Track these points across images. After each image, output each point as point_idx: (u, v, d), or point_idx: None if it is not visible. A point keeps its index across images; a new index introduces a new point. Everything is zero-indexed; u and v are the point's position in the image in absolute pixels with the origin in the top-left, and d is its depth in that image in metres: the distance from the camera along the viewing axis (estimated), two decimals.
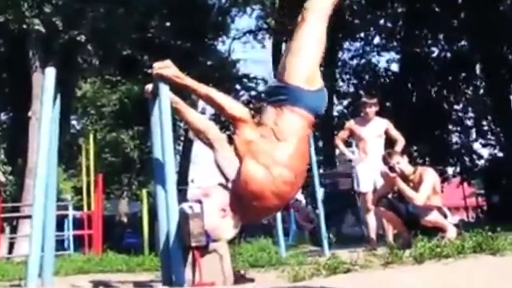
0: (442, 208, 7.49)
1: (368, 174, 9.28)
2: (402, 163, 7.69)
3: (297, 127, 3.75)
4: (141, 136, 27.81)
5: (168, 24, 24.66)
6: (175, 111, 4.11)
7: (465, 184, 28.21)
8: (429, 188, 7.49)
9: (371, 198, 9.03)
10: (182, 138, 28.30)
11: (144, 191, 14.85)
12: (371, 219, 9.19)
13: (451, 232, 6.96)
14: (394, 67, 26.56)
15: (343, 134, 9.93)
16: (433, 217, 7.33)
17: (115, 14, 19.98)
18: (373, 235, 9.06)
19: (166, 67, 3.84)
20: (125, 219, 34.02)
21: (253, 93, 29.30)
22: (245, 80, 29.89)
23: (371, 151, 9.42)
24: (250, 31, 30.80)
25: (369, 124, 9.53)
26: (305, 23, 4.02)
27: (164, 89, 3.85)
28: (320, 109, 3.96)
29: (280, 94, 3.83)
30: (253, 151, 3.58)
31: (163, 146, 3.79)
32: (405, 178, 7.57)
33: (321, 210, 9.15)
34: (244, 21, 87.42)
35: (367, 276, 3.10)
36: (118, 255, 9.91)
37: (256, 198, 3.51)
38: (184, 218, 3.50)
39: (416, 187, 7.50)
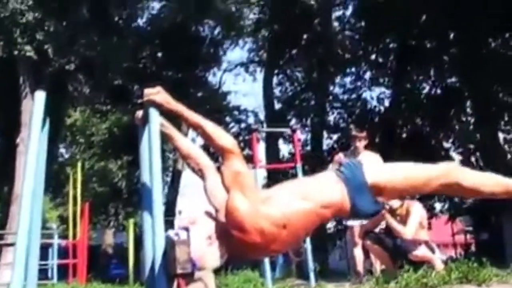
0: (430, 243, 7.47)
1: None
2: None
3: (326, 201, 3.71)
4: (129, 166, 27.77)
5: (159, 54, 24.78)
6: (165, 137, 4.08)
7: (455, 220, 28.24)
8: (416, 222, 7.49)
9: (358, 232, 9.01)
10: (170, 169, 28.28)
11: (130, 221, 14.78)
12: (358, 253, 9.16)
13: (439, 267, 6.95)
14: (385, 102, 26.65)
15: (332, 167, 9.90)
16: (421, 252, 7.31)
17: (106, 43, 20.03)
18: (360, 268, 9.02)
19: (157, 93, 3.82)
20: (110, 250, 33.85)
21: (243, 125, 29.40)
22: (235, 112, 29.99)
23: None
24: (241, 64, 30.95)
25: (357, 158, 9.53)
26: (432, 168, 3.93)
27: (154, 115, 3.81)
28: (361, 211, 3.85)
29: (348, 170, 3.83)
30: (240, 183, 3.56)
31: (151, 172, 3.76)
32: (392, 211, 7.57)
33: (308, 244, 9.12)
34: (236, 53, 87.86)
35: None
36: (102, 284, 9.85)
37: (238, 230, 3.47)
38: (170, 245, 3.45)
39: (403, 221, 7.50)
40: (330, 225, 26.59)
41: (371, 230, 8.04)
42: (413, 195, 3.75)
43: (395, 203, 7.61)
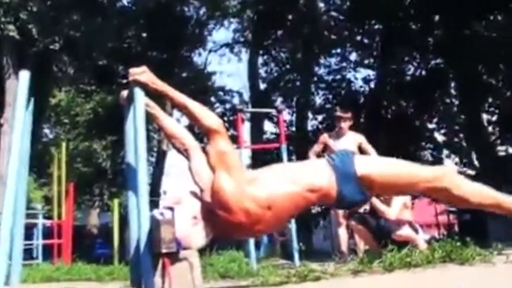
0: (413, 223, 7.51)
1: None
2: None
3: (314, 185, 3.75)
4: (114, 146, 27.69)
5: (144, 34, 24.65)
6: (150, 117, 4.08)
7: (438, 201, 28.37)
8: (400, 203, 7.52)
9: (343, 212, 9.06)
10: (155, 149, 28.24)
11: (115, 201, 14.75)
12: (342, 233, 9.22)
13: (422, 247, 7.00)
14: (370, 83, 26.66)
15: (317, 147, 9.91)
16: (404, 232, 7.35)
17: (91, 23, 19.90)
18: (344, 248, 9.09)
19: (142, 73, 3.82)
20: (95, 230, 33.85)
21: (228, 106, 29.39)
22: (220, 92, 29.95)
23: None
24: (227, 44, 30.85)
25: (342, 139, 9.56)
26: (426, 169, 4.05)
27: (139, 95, 3.81)
28: (347, 199, 3.86)
29: (339, 159, 3.87)
30: (226, 162, 3.58)
31: (137, 152, 3.76)
32: None
33: (292, 224, 9.15)
34: (221, 34, 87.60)
35: (337, 284, 3.09)
36: (87, 265, 9.84)
37: (223, 210, 3.49)
38: (155, 224, 3.47)
39: (387, 201, 7.53)
40: (316, 206, 26.68)
41: (356, 211, 8.09)
42: (401, 194, 3.76)
43: None
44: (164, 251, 3.39)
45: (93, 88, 26.59)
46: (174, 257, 3.58)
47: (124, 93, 4.12)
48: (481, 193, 3.95)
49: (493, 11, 19.50)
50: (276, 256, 12.93)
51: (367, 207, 8.20)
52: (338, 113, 9.86)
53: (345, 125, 9.60)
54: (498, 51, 19.29)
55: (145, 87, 3.81)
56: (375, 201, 7.57)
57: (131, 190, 3.91)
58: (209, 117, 3.72)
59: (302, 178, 3.71)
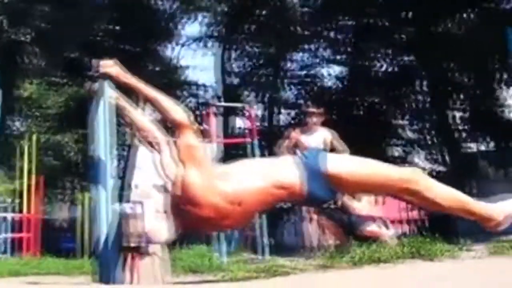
0: (383, 219, 7.55)
1: None
2: None
3: (283, 182, 3.75)
4: (85, 139, 27.43)
5: (116, 27, 24.48)
6: (120, 110, 4.05)
7: None
8: (370, 198, 7.56)
9: (313, 208, 9.09)
10: (127, 143, 28.06)
11: (85, 195, 14.65)
12: (312, 228, 9.23)
13: (391, 243, 7.03)
14: (341, 79, 26.68)
15: (288, 143, 9.90)
16: (374, 228, 7.40)
17: (61, 15, 19.72)
18: (314, 243, 9.10)
19: (112, 66, 3.80)
20: (65, 224, 33.54)
21: (200, 100, 29.25)
22: (192, 87, 29.81)
23: None
24: (199, 38, 30.69)
25: (313, 134, 9.56)
26: (397, 170, 4.10)
27: (108, 88, 3.80)
28: (315, 196, 3.90)
29: (310, 157, 3.88)
30: (195, 156, 3.57)
31: (105, 145, 3.75)
32: None
33: (263, 219, 9.17)
34: (193, 28, 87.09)
35: (306, 280, 3.10)
36: (56, 259, 9.78)
37: (192, 204, 3.48)
38: (123, 218, 3.46)
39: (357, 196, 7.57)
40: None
41: (325, 206, 8.12)
42: (373, 194, 3.76)
43: None
44: (132, 245, 3.39)
45: (64, 81, 26.33)
46: (142, 251, 3.57)
47: (93, 86, 4.09)
48: (452, 197, 3.97)
49: (464, 9, 19.64)
50: (246, 250, 12.92)
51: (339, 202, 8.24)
52: (310, 109, 9.86)
53: (316, 120, 9.60)
54: (468, 49, 19.45)
55: (114, 81, 3.79)
56: (345, 199, 7.61)
57: (99, 184, 3.89)
58: (178, 111, 3.71)
59: (272, 175, 3.71)
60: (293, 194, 3.78)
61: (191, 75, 31.84)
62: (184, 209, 3.50)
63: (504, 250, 3.81)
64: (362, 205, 7.47)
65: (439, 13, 19.32)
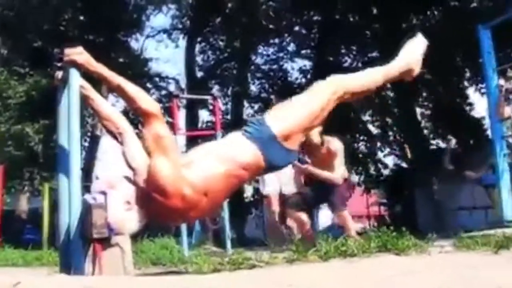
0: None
1: (274, 178, 9.38)
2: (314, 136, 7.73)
3: (243, 158, 3.72)
4: (47, 130, 27.17)
5: (81, 17, 24.25)
6: (84, 99, 3.98)
7: (370, 193, 28.81)
8: (342, 163, 7.63)
9: (274, 200, 9.18)
10: (89, 134, 27.86)
11: (46, 186, 14.52)
12: (276, 220, 9.31)
13: (354, 236, 7.06)
14: (306, 74, 26.76)
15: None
16: (346, 214, 7.46)
17: (25, 4, 19.52)
18: (278, 236, 9.16)
19: (79, 53, 3.73)
20: (24, 215, 33.17)
21: (163, 92, 29.13)
22: (156, 79, 29.69)
23: None
24: (164, 30, 30.56)
25: None
26: (320, 87, 4.10)
27: (75, 76, 3.72)
28: (278, 164, 3.96)
29: (255, 129, 3.82)
30: (163, 146, 3.52)
31: (70, 134, 3.68)
32: (312, 150, 7.64)
33: (226, 212, 9.16)
34: (159, 19, 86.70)
35: (271, 272, 3.07)
36: (14, 250, 9.68)
37: (159, 194, 3.44)
38: (86, 209, 3.40)
39: (326, 161, 7.58)
40: (248, 194, 26.76)
41: (290, 196, 8.14)
42: (318, 123, 3.81)
43: (315, 138, 7.64)
44: (95, 236, 3.32)
45: (27, 70, 26.02)
46: (105, 243, 3.52)
47: (59, 73, 4.02)
48: (371, 76, 4.27)
49: (430, 6, 19.80)
50: (208, 243, 12.92)
51: (302, 190, 8.25)
52: (275, 103, 9.88)
53: None
54: (432, 46, 19.58)
55: (81, 68, 3.73)
56: (319, 172, 7.62)
57: (63, 173, 3.83)
58: (146, 100, 3.66)
59: (232, 157, 3.70)
60: (255, 169, 3.81)
61: (155, 67, 31.66)
62: (150, 199, 3.46)
63: (470, 244, 3.83)
64: (338, 173, 7.66)
65: (405, 9, 19.45)
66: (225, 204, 9.04)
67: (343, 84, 4.12)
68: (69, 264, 3.58)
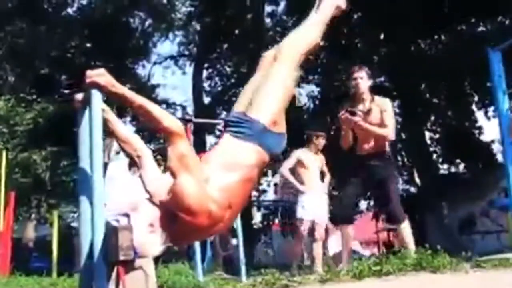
0: None
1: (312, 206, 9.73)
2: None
3: (249, 160, 3.74)
4: (54, 157, 27.20)
5: (88, 44, 24.38)
6: (103, 121, 3.95)
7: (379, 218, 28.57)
8: (393, 118, 7.59)
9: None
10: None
11: (55, 213, 14.47)
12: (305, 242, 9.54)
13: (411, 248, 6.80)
14: (314, 99, 26.73)
15: (291, 163, 10.28)
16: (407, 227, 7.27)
17: (34, 31, 19.61)
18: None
19: (101, 75, 3.70)
20: (31, 243, 33.08)
21: None
22: (164, 105, 29.77)
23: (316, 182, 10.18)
24: (171, 57, 30.67)
25: (317, 156, 9.96)
26: (278, 65, 4.09)
27: (96, 98, 3.68)
28: (277, 151, 3.99)
29: (245, 127, 3.82)
30: (187, 165, 3.49)
31: (92, 157, 3.63)
32: (366, 114, 7.60)
33: (240, 238, 9.13)
34: (166, 46, 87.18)
35: None
36: (27, 277, 9.64)
37: (186, 213, 3.40)
38: (111, 231, 3.34)
39: (376, 117, 7.50)
40: (256, 221, 26.68)
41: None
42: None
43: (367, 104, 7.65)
44: (121, 258, 3.26)
45: (34, 97, 26.10)
46: (129, 266, 3.46)
47: (79, 96, 3.98)
48: (312, 27, 4.44)
49: (437, 30, 19.82)
50: (219, 270, 12.83)
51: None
52: (319, 132, 10.19)
53: (323, 143, 10.01)
54: (440, 70, 19.62)
55: (103, 90, 3.69)
56: (370, 127, 7.48)
57: (85, 197, 3.78)
58: (170, 120, 3.63)
59: (240, 162, 3.71)
60: (262, 165, 3.87)
61: (163, 93, 31.77)
62: (175, 219, 3.42)
63: (507, 263, 3.77)
64: (391, 128, 7.61)
65: (412, 34, 19.47)
66: (239, 230, 9.05)
67: (297, 50, 4.21)
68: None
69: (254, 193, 25.32)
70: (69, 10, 24.28)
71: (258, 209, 25.72)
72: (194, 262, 8.57)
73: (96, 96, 3.68)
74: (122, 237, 3.25)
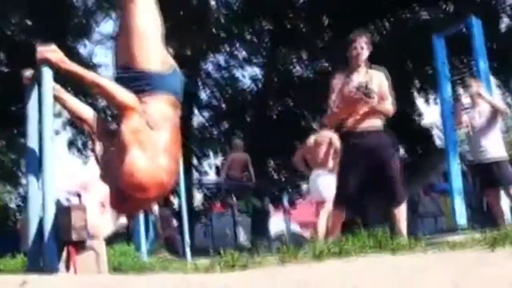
0: None
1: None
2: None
3: (167, 112, 3.72)
4: None
5: (29, 22, 23.85)
6: (56, 100, 3.87)
7: None
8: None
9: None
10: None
11: None
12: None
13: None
14: (257, 82, 26.64)
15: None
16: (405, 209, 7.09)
17: None
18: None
19: (52, 51, 3.63)
20: None
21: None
22: None
23: None
24: (113, 37, 30.21)
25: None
26: (135, 3, 3.98)
27: (48, 74, 3.60)
28: (180, 89, 3.99)
29: (141, 81, 3.74)
30: (140, 141, 3.45)
31: (43, 135, 3.55)
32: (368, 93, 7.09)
33: (184, 218, 9.11)
34: (109, 26, 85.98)
35: (266, 273, 3.00)
36: None
37: (141, 190, 3.38)
38: (63, 211, 3.27)
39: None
40: (198, 203, 26.58)
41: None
42: None
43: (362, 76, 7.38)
44: (74, 238, 3.19)
45: None
46: (80, 246, 3.40)
47: (28, 72, 3.90)
48: None
49: (381, 16, 19.96)
50: (163, 251, 12.80)
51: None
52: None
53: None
54: (383, 56, 19.81)
55: (54, 67, 3.61)
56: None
57: (33, 176, 3.70)
58: (122, 94, 3.58)
59: (163, 116, 3.76)
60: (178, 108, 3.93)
61: (104, 73, 31.26)
62: (130, 196, 3.38)
63: (461, 246, 3.82)
64: (390, 103, 7.34)
65: (355, 19, 19.57)
66: (184, 213, 9.02)
67: None
68: (39, 269, 3.45)
69: (196, 174, 25.22)
70: None
71: (199, 190, 25.61)
72: (137, 243, 8.53)
73: (47, 73, 3.60)
74: (75, 217, 3.18)
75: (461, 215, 10.30)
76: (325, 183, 9.66)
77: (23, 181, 30.94)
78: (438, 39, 11.30)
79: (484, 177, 9.11)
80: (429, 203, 16.88)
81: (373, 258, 3.28)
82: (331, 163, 9.97)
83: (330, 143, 10.16)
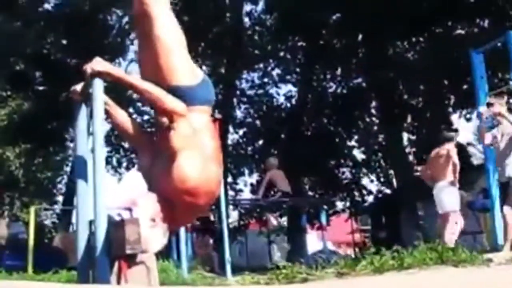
0: None
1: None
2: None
3: (205, 122, 3.75)
4: (28, 154, 27.00)
5: (64, 41, 24.10)
6: (107, 115, 3.89)
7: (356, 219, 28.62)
8: None
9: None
10: (70, 159, 27.70)
11: (32, 209, 14.34)
12: None
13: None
14: (291, 99, 26.65)
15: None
16: None
17: (10, 27, 19.38)
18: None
19: (99, 63, 3.66)
20: (3, 241, 32.75)
21: (145, 117, 28.99)
22: (138, 104, 29.56)
23: None
24: None
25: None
26: (155, 20, 3.94)
27: (98, 87, 3.61)
28: (212, 96, 4.04)
29: (176, 97, 3.72)
30: (191, 146, 3.48)
31: (95, 148, 3.55)
32: None
33: (225, 236, 9.09)
34: None
35: (325, 285, 2.96)
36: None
37: (192, 195, 3.40)
38: (116, 224, 3.27)
39: None
40: (232, 220, 26.58)
41: None
42: None
43: None
44: (128, 252, 3.19)
45: (9, 93, 25.80)
46: (131, 260, 3.40)
47: (77, 87, 3.92)
48: None
49: (415, 33, 19.86)
50: (199, 268, 12.80)
51: None
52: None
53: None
54: (418, 72, 19.73)
55: (104, 77, 3.63)
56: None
57: (82, 190, 3.69)
58: (171, 101, 3.60)
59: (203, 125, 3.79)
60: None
61: None
62: (181, 203, 3.40)
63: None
64: None
65: (390, 35, 19.49)
66: (225, 230, 9.00)
67: None
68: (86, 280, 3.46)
69: (231, 192, 25.20)
70: (46, 6, 24.00)
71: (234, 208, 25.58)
72: (175, 260, 8.54)
73: (98, 85, 3.62)
74: (129, 231, 3.19)
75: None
76: (447, 196, 9.83)
77: (59, 198, 31.24)
78: (476, 54, 11.20)
79: (501, 196, 9.18)
80: (468, 220, 16.68)
81: (434, 271, 3.23)
82: (450, 176, 10.09)
83: (448, 156, 10.27)
